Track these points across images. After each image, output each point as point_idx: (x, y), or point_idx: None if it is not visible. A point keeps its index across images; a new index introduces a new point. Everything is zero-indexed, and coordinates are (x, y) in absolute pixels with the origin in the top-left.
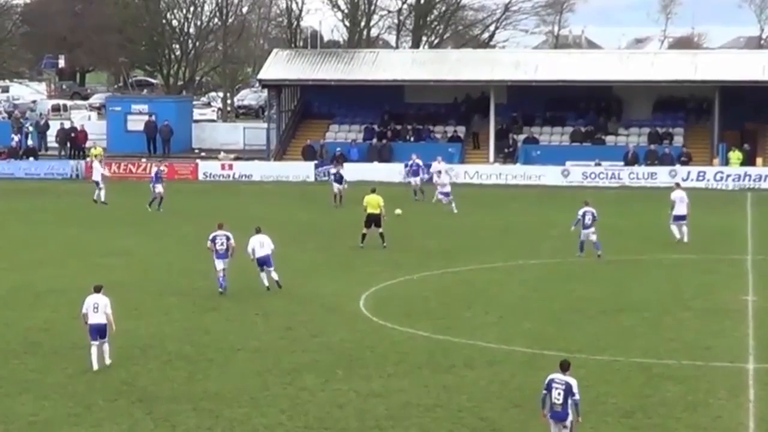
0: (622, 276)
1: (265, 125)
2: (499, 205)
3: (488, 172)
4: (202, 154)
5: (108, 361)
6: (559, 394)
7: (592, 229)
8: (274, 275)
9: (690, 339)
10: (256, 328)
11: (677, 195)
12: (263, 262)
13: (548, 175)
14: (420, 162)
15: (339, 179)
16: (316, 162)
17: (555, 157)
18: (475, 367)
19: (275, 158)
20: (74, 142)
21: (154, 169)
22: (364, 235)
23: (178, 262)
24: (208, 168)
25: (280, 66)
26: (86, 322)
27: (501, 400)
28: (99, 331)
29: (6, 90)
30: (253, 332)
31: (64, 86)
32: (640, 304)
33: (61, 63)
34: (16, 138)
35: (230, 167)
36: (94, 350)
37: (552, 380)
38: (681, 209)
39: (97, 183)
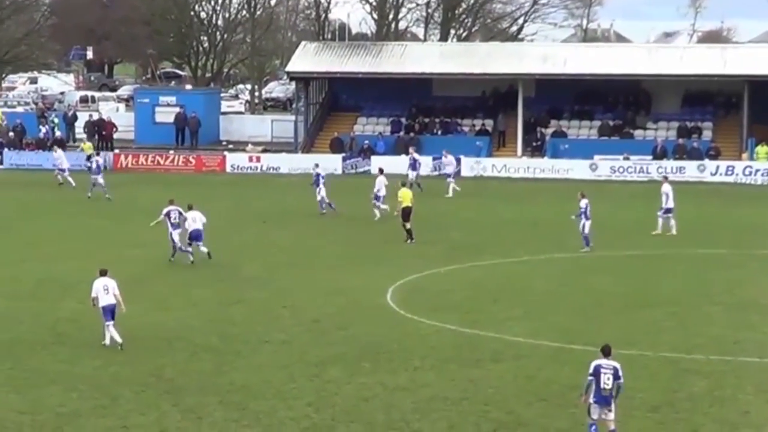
0: (650, 270)
1: (293, 118)
2: (527, 198)
3: (516, 165)
4: (230, 146)
5: (107, 342)
6: (608, 378)
7: (589, 222)
8: (203, 249)
9: (718, 334)
10: (283, 320)
11: (667, 188)
12: (195, 236)
13: (576, 169)
14: (417, 156)
15: (317, 182)
16: (344, 155)
17: (583, 151)
18: (502, 360)
19: (303, 151)
20: (102, 134)
21: (100, 161)
22: (409, 231)
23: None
24: (235, 160)
25: (308, 58)
26: (95, 304)
27: (527, 394)
28: (112, 312)
29: (34, 81)
30: (279, 325)
31: (92, 78)
32: (668, 299)
33: (90, 55)
34: (44, 129)
35: (258, 159)
36: (109, 329)
37: (599, 366)
38: (670, 202)
39: (63, 170)
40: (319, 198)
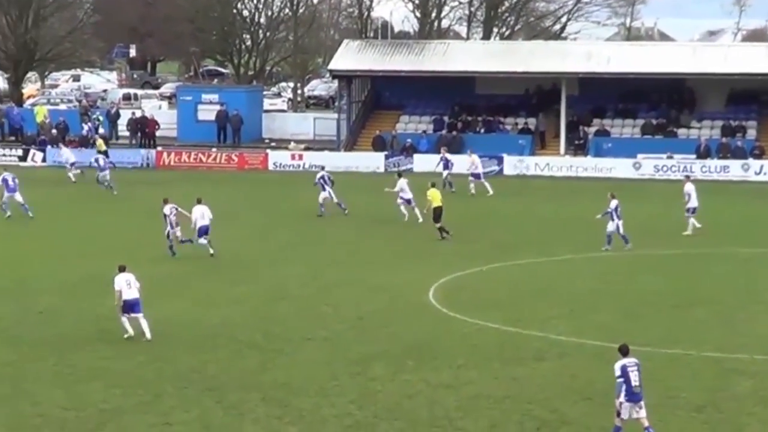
0: (695, 269)
1: (336, 116)
2: (570, 197)
3: (559, 164)
4: (272, 144)
5: (149, 336)
6: (636, 375)
7: (621, 221)
8: (204, 241)
9: (763, 333)
10: (326, 318)
11: (690, 188)
12: (203, 231)
13: (619, 167)
14: (449, 156)
15: (329, 182)
16: (386, 153)
17: (626, 150)
18: (546, 359)
19: (345, 149)
20: (144, 132)
21: (104, 160)
22: (441, 229)
23: (247, 251)
24: (278, 158)
25: (350, 56)
26: (119, 298)
27: (571, 393)
28: (134, 306)
29: (77, 79)
30: (322, 322)
31: (135, 75)
32: (713, 298)
33: (132, 52)
34: (86, 127)
35: (300, 157)
36: (125, 319)
37: (625, 365)
38: (693, 202)
39: (73, 164)
40: (321, 199)
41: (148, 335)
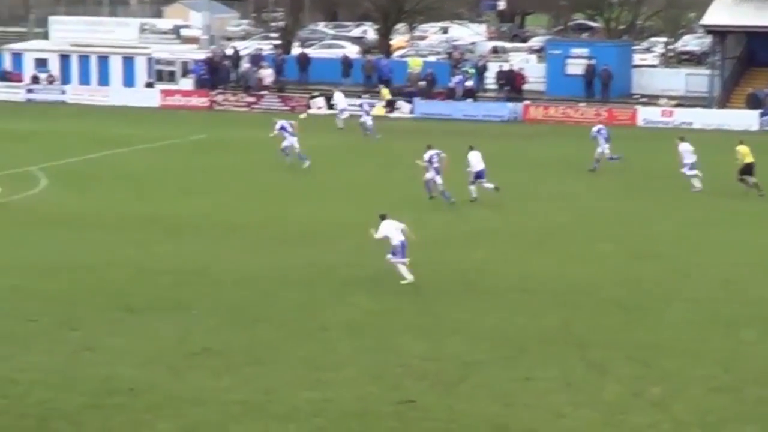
0: None
1: (708, 72)
2: None
3: None
4: (642, 99)
5: (411, 278)
6: None
7: None
8: (488, 185)
9: None
10: (693, 278)
11: None
12: (479, 176)
13: None
14: None
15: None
16: (761, 111)
17: None
18: None
19: (718, 106)
20: (513, 85)
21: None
22: (744, 180)
23: (614, 208)
24: (647, 114)
25: (725, 11)
26: (392, 243)
27: None
28: (404, 249)
29: (445, 31)
30: (689, 282)
31: (503, 28)
32: None
33: (501, 5)
34: (455, 79)
35: (670, 114)
36: (403, 267)
37: None
38: None
39: (343, 110)
40: (601, 153)
41: (410, 278)
